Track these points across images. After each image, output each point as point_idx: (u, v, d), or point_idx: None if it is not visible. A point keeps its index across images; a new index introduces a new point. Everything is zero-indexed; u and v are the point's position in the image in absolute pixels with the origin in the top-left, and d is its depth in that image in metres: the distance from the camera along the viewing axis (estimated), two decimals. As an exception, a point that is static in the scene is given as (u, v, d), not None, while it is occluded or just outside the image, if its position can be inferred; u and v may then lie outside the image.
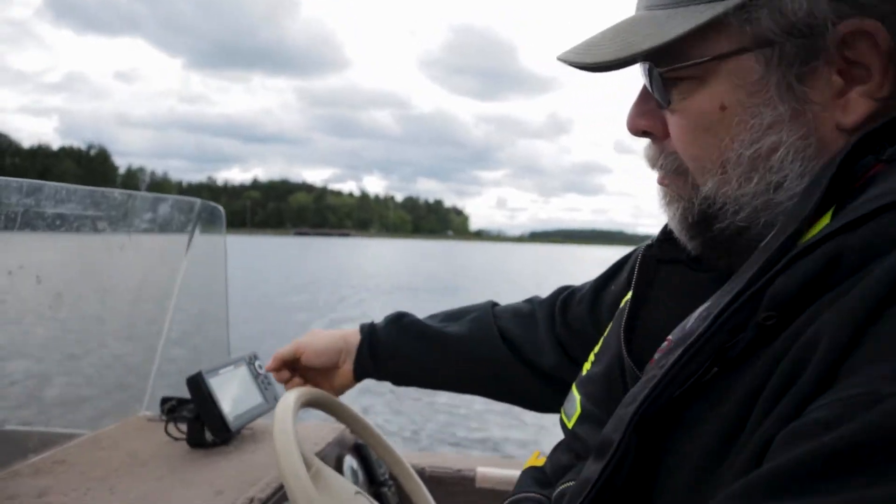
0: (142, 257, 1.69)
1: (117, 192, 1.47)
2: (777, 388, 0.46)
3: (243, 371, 1.67)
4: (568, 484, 0.78)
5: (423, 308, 1.31)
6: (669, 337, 0.78)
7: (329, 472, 1.10)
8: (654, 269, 0.85)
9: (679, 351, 0.54)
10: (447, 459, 1.79)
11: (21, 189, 1.18)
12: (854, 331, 0.43)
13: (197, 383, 1.50)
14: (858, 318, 0.43)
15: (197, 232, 1.80)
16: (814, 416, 0.42)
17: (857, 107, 0.59)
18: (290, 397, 1.13)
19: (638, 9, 0.70)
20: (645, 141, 0.75)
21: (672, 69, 0.64)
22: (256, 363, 1.73)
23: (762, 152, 0.61)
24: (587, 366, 0.91)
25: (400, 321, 1.26)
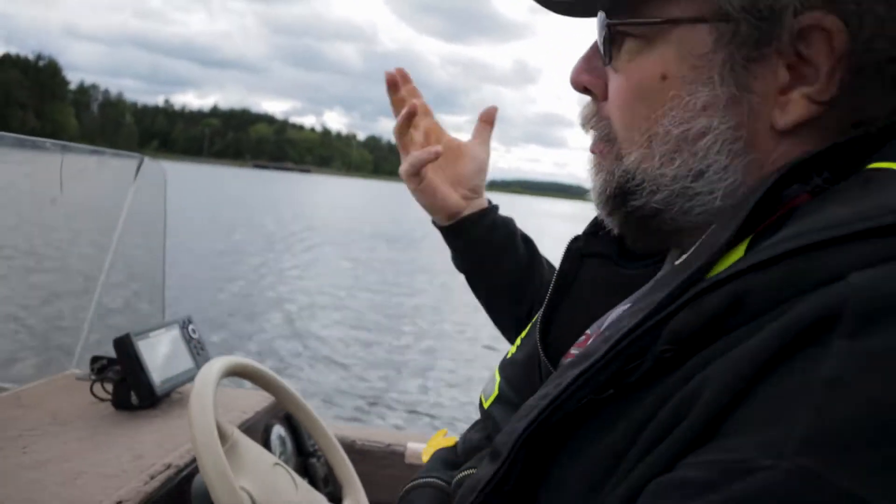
0: (75, 208, 1.64)
1: (49, 143, 1.41)
2: (656, 432, 0.44)
3: (175, 334, 1.64)
4: (469, 471, 0.78)
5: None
6: (587, 331, 0.78)
7: (248, 443, 1.09)
8: (579, 262, 0.84)
9: (577, 371, 0.51)
10: (378, 433, 1.80)
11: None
12: (740, 387, 0.40)
13: (124, 345, 1.47)
14: (746, 374, 0.40)
15: (137, 184, 1.75)
16: (682, 473, 0.40)
17: (796, 108, 0.55)
18: (215, 365, 1.11)
19: None
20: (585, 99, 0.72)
21: (624, 23, 0.60)
22: (190, 327, 1.70)
23: (690, 134, 0.58)
24: (512, 350, 0.90)
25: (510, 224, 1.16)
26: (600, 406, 0.51)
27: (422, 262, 17.66)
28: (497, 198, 1.19)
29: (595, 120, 0.67)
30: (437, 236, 1.16)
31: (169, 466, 1.22)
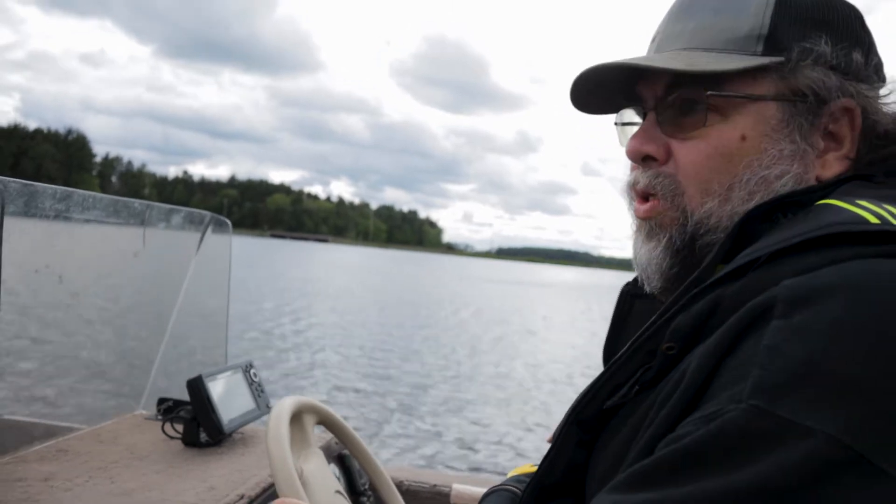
0: (153, 260, 1.79)
1: (136, 203, 1.57)
2: (661, 408, 0.59)
3: (239, 377, 1.77)
4: None
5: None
6: None
7: (312, 473, 1.20)
8: (630, 303, 0.97)
9: (608, 366, 0.68)
10: (425, 475, 1.89)
11: (55, 195, 1.29)
12: (712, 365, 0.56)
13: (197, 386, 1.60)
14: (718, 354, 0.56)
15: (206, 238, 1.91)
16: (678, 431, 0.55)
17: (833, 166, 0.74)
18: (285, 404, 1.23)
19: (672, 46, 0.79)
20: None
21: (720, 95, 0.73)
22: (251, 371, 1.83)
23: (770, 177, 0.72)
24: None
25: None
26: (631, 402, 0.67)
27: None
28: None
29: (658, 179, 0.78)
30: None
31: (242, 497, 1.34)
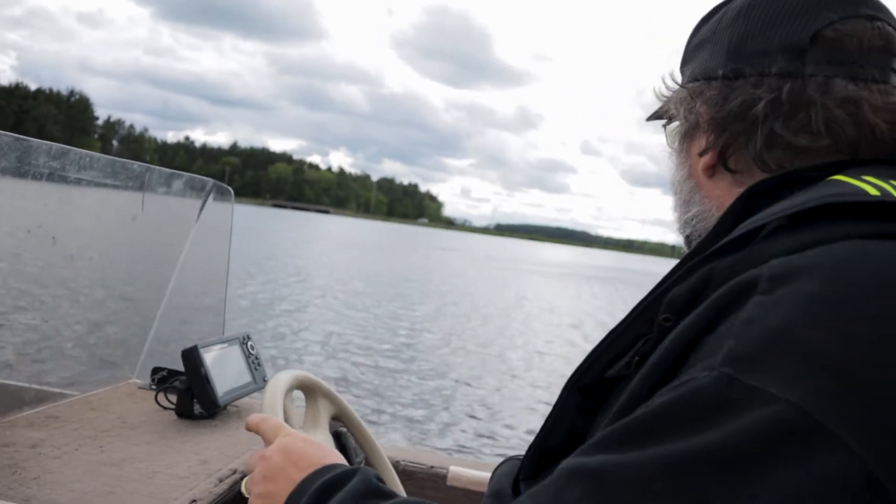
0: (151, 226, 1.74)
1: (136, 165, 1.52)
2: (644, 378, 0.59)
3: (236, 349, 1.73)
4: None
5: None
6: None
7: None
8: None
9: (606, 335, 0.69)
10: (422, 456, 1.85)
11: (49, 152, 1.24)
12: (693, 338, 0.57)
13: (192, 357, 1.56)
14: (697, 329, 0.57)
15: (207, 205, 1.85)
16: (653, 398, 0.55)
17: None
18: (282, 377, 1.20)
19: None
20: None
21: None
22: (249, 343, 1.79)
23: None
24: None
25: None
26: (629, 375, 0.65)
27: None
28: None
29: None
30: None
31: (234, 471, 1.30)
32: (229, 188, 1.86)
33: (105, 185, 1.44)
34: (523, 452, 1.07)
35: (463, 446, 6.36)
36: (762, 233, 0.62)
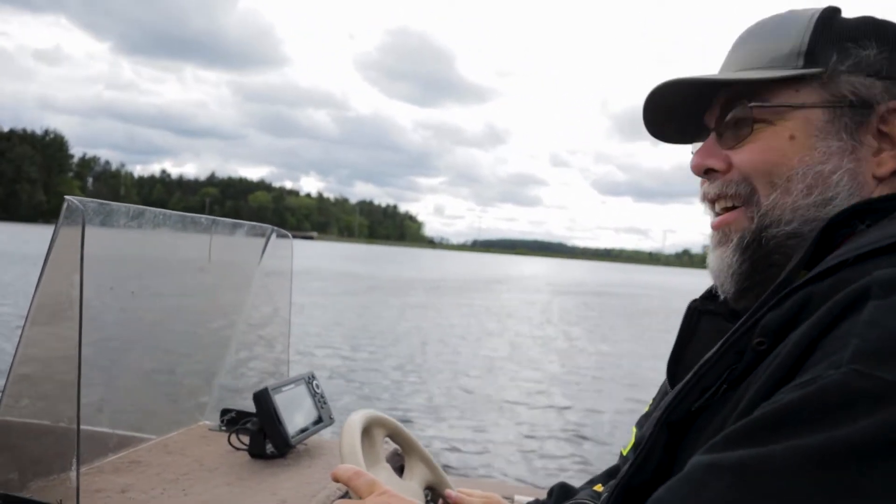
0: (217, 273, 1.82)
1: (203, 218, 1.60)
2: (753, 389, 0.63)
3: (303, 389, 1.78)
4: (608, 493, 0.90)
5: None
6: None
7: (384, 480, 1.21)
8: (697, 318, 0.98)
9: (697, 367, 0.72)
10: (487, 486, 1.88)
11: (129, 213, 1.32)
12: (809, 343, 0.60)
13: (264, 398, 1.62)
14: (813, 334, 0.61)
15: (266, 253, 1.93)
16: (774, 397, 0.59)
17: (888, 163, 0.80)
18: (357, 416, 1.25)
19: (726, 71, 0.90)
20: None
21: (761, 106, 0.83)
22: (314, 382, 1.85)
23: (824, 172, 0.79)
24: (647, 407, 1.05)
25: (567, 495, 1.23)
26: (717, 401, 0.69)
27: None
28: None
29: (731, 186, 0.87)
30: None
31: (313, 509, 1.34)
32: (287, 233, 1.94)
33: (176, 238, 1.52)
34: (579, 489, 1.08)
35: (521, 473, 6.32)
36: (848, 260, 0.66)
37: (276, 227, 1.89)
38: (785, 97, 0.83)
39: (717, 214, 0.90)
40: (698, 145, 0.93)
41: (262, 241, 1.93)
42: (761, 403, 0.60)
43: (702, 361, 0.72)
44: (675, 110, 0.94)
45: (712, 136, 0.90)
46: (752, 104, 0.84)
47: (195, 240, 1.66)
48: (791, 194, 0.80)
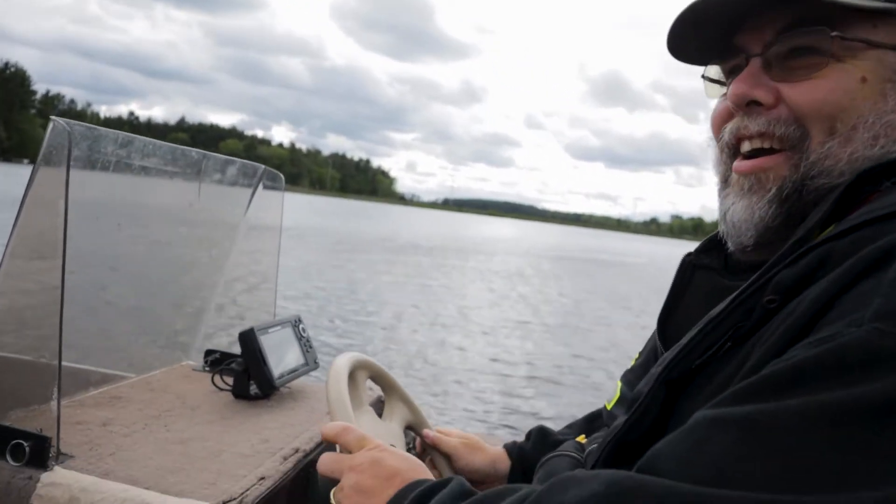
0: (205, 213, 1.78)
1: (194, 152, 1.56)
2: (767, 338, 0.61)
3: (289, 332, 1.76)
4: (595, 445, 0.88)
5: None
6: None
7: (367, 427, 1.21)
8: (691, 273, 0.95)
9: (702, 324, 0.69)
10: (465, 429, 1.88)
11: (116, 140, 1.28)
12: (828, 300, 0.58)
13: (249, 338, 1.60)
14: (833, 290, 0.58)
15: (257, 193, 1.89)
16: (787, 354, 0.57)
17: None
18: (342, 361, 1.23)
19: None
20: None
21: (842, 38, 0.72)
22: (300, 326, 1.82)
23: (893, 122, 0.72)
24: (632, 362, 1.02)
25: (546, 439, 1.26)
26: (719, 359, 0.67)
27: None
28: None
29: (777, 125, 0.76)
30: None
31: (297, 450, 1.33)
32: (279, 174, 1.89)
33: (165, 173, 1.48)
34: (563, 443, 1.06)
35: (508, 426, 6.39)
36: (871, 219, 0.63)
37: (268, 168, 1.84)
38: (864, 31, 0.72)
39: (746, 157, 0.80)
40: (712, 69, 0.87)
41: (252, 181, 1.88)
42: (772, 360, 0.58)
43: (708, 318, 0.69)
44: (708, 23, 0.80)
45: (756, 62, 0.78)
46: (835, 33, 0.72)
47: (185, 175, 1.61)
48: (852, 143, 0.72)
